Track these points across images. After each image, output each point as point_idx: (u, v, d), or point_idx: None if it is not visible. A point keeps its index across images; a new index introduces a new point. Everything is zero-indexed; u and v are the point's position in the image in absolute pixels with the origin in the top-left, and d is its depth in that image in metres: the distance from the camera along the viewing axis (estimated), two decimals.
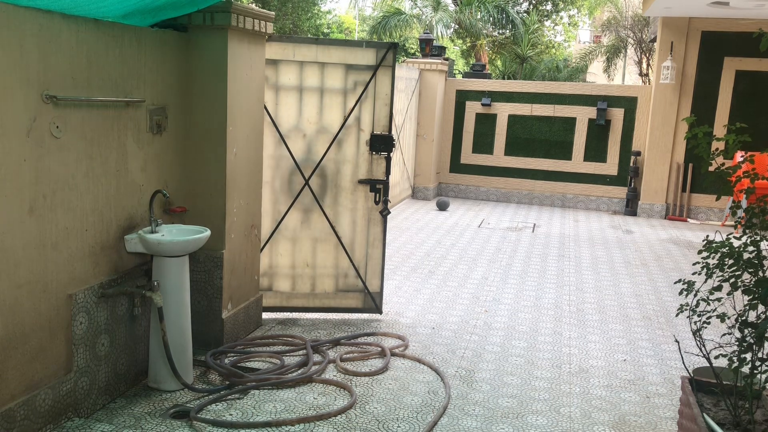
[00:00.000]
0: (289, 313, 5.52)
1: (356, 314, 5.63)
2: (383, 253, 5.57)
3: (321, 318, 5.51)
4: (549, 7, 24.81)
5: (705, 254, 3.27)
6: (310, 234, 5.43)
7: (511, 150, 11.93)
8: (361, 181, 5.41)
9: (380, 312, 5.61)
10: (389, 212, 5.51)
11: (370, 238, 5.52)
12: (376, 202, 5.43)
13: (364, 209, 5.47)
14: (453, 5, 21.20)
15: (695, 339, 3.34)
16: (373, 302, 5.60)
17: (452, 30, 20.63)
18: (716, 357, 3.33)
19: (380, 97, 5.33)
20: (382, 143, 5.36)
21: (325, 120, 5.30)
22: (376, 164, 5.41)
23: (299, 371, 4.41)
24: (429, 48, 11.98)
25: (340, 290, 5.56)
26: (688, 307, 3.33)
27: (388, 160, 5.41)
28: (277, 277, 5.44)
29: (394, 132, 10.05)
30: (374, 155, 5.39)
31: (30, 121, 3.17)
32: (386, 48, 5.30)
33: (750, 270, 3.10)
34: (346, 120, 5.32)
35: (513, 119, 11.86)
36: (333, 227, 5.44)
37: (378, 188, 5.41)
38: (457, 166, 12.26)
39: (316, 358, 4.64)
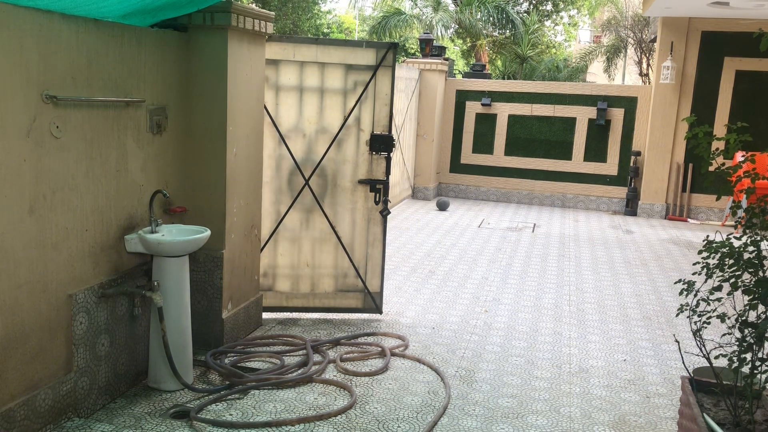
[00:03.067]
0: (289, 313, 5.52)
1: (356, 314, 5.63)
2: (383, 253, 5.58)
3: (321, 318, 5.51)
4: (549, 7, 24.82)
5: (705, 254, 3.27)
6: (310, 234, 5.43)
7: (511, 150, 11.93)
8: (361, 181, 5.41)
9: (380, 312, 5.61)
10: (389, 212, 5.52)
11: (370, 238, 5.53)
12: (376, 202, 5.44)
13: (364, 209, 5.47)
14: (453, 5, 21.20)
15: (695, 339, 3.34)
16: (373, 302, 5.60)
17: (452, 30, 20.64)
18: (716, 357, 3.33)
19: (380, 97, 5.34)
20: (382, 143, 5.36)
21: (325, 120, 5.31)
22: (376, 164, 5.41)
23: (299, 371, 4.41)
24: (429, 48, 11.99)
25: (340, 290, 5.56)
26: (688, 307, 3.33)
27: (388, 160, 5.42)
28: (277, 277, 5.44)
29: (394, 132, 10.05)
30: (374, 155, 5.39)
31: (30, 121, 3.17)
32: (386, 48, 5.31)
33: (750, 270, 3.10)
34: (346, 120, 5.33)
35: (513, 119, 11.86)
36: (333, 227, 5.44)
37: (378, 188, 5.41)
38: (457, 166, 12.26)
39: (316, 358, 4.64)
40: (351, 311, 5.60)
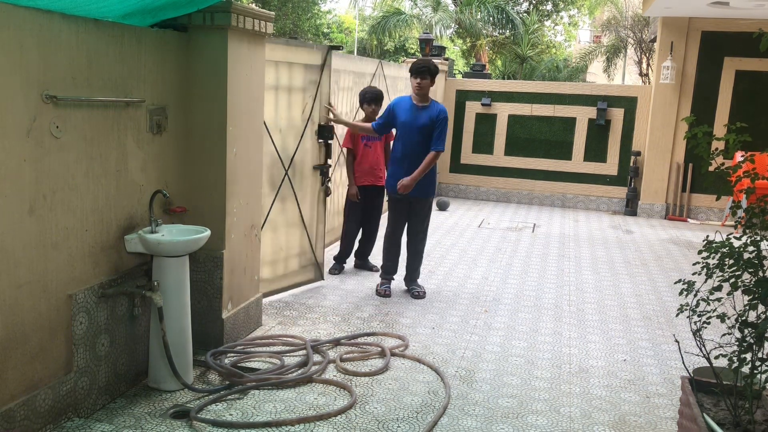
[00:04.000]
0: (270, 297, 5.77)
1: (308, 285, 6.28)
2: (324, 226, 6.41)
3: (321, 317, 5.52)
4: (549, 7, 24.83)
5: (705, 254, 3.27)
6: (285, 221, 5.87)
7: (511, 150, 11.92)
8: (314, 167, 6.11)
9: (323, 278, 6.42)
10: (330, 191, 6.40)
11: (318, 216, 6.28)
12: (323, 184, 6.23)
13: (315, 191, 6.20)
14: (453, 5, 21.21)
15: (695, 339, 3.34)
16: (319, 271, 6.36)
17: (452, 30, 20.65)
18: (716, 357, 3.32)
19: (323, 92, 6.07)
20: (325, 132, 6.11)
21: (291, 115, 5.77)
22: (323, 151, 6.18)
23: (299, 371, 4.41)
24: (429, 48, 11.98)
25: (302, 266, 6.18)
26: (688, 307, 3.33)
27: (328, 146, 6.20)
28: (261, 266, 5.63)
29: None
30: (321, 143, 6.13)
31: (30, 121, 3.17)
32: (327, 50, 6.08)
33: (750, 270, 3.10)
34: (310, 115, 5.96)
35: (513, 119, 11.86)
36: (300, 211, 6.02)
37: (324, 171, 6.20)
38: (457, 166, 12.26)
39: (316, 358, 4.64)
40: (307, 283, 6.25)
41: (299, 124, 5.82)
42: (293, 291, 6.09)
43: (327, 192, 6.31)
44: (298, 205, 5.95)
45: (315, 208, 6.22)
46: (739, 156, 8.31)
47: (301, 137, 5.84)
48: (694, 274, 3.45)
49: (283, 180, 5.71)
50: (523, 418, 3.97)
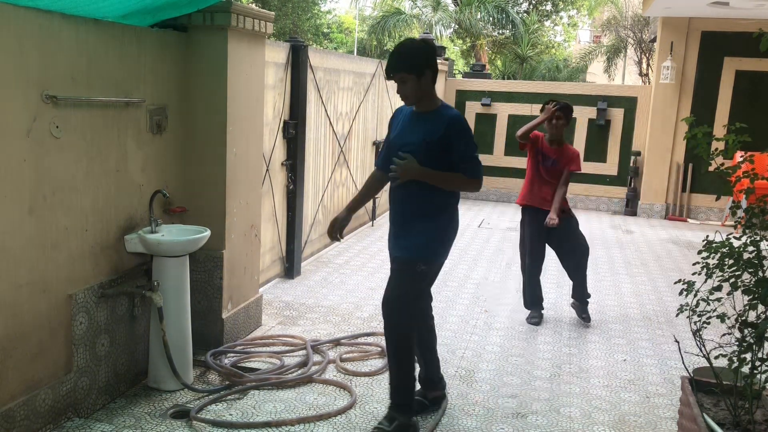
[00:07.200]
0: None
1: (276, 279, 6.42)
2: (287, 219, 6.51)
3: (321, 317, 5.51)
4: (549, 7, 24.83)
5: (705, 254, 3.27)
6: (264, 217, 5.91)
7: (511, 150, 11.91)
8: (282, 163, 6.30)
9: (292, 277, 6.52)
10: (293, 186, 6.46)
11: (284, 210, 6.43)
12: (288, 178, 6.44)
13: (282, 186, 6.36)
14: (453, 5, 21.21)
15: (695, 339, 3.34)
16: (284, 264, 6.53)
17: (452, 30, 20.66)
18: (716, 357, 3.32)
19: (287, 90, 6.29)
20: (290, 128, 6.31)
21: (267, 113, 5.81)
22: (288, 147, 6.37)
23: (299, 371, 4.41)
24: None
25: (272, 261, 6.30)
26: (688, 308, 3.33)
27: (288, 141, 6.35)
28: None
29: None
30: (286, 139, 6.32)
31: (30, 121, 3.18)
32: (290, 48, 6.27)
33: (750, 270, 3.10)
34: (281, 113, 6.19)
35: (513, 119, 11.85)
36: (274, 206, 6.18)
37: (289, 167, 6.41)
38: None
39: (316, 358, 4.64)
40: (275, 278, 6.37)
41: (271, 121, 5.96)
42: (265, 286, 6.14)
43: (289, 186, 6.44)
44: (273, 200, 6.11)
45: (282, 202, 6.38)
46: (738, 156, 8.31)
47: (277, 135, 6.10)
48: (694, 274, 3.44)
49: (264, 178, 5.77)
50: (523, 418, 3.97)
